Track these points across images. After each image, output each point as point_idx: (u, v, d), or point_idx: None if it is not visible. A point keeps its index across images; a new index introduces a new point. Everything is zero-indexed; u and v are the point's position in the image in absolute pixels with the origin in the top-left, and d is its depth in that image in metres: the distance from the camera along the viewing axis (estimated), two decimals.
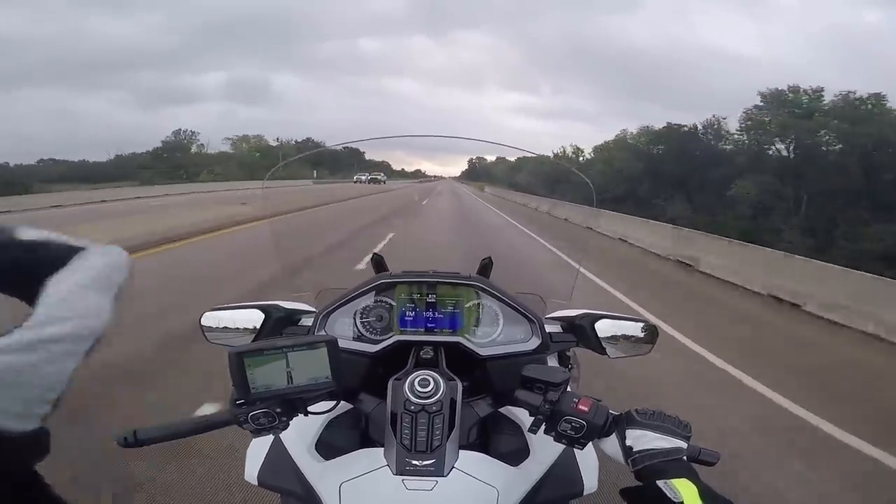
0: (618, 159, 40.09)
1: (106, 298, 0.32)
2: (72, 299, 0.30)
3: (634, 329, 0.98)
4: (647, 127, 42.35)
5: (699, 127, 36.68)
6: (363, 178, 37.53)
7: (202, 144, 66.81)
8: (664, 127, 38.98)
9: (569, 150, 57.02)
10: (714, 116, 35.52)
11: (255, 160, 62.34)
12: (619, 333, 0.97)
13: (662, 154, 37.86)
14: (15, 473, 0.32)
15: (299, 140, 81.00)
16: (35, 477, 0.36)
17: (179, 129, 66.62)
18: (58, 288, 0.30)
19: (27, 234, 0.31)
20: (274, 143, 72.22)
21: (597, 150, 51.82)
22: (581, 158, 54.08)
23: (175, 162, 58.49)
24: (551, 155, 54.20)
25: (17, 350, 0.28)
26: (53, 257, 0.31)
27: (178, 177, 49.94)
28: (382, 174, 46.03)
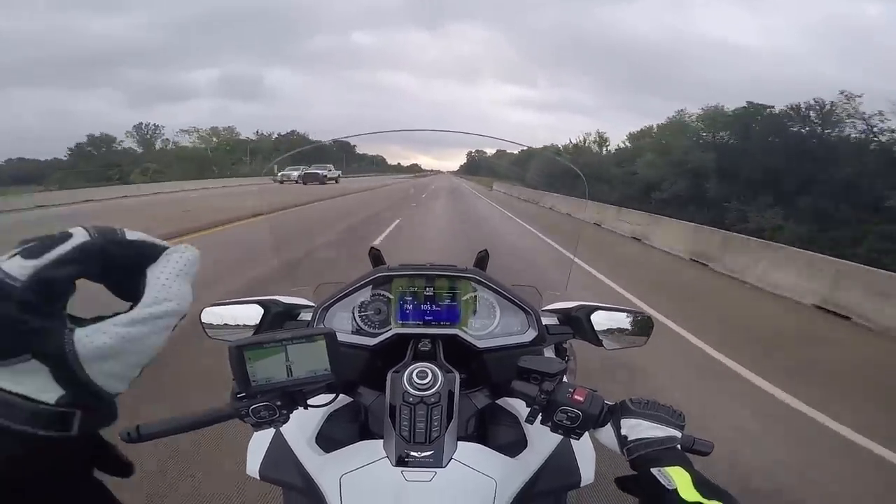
0: (676, 148, 29.28)
1: (189, 286, 0.40)
2: (170, 285, 0.38)
3: (630, 320, 0.99)
4: (717, 107, 29.96)
5: (801, 108, 24.61)
6: (294, 174, 22.93)
7: (167, 140, 59.23)
8: (743, 108, 28.09)
9: (590, 140, 48.07)
10: (845, 94, 22.45)
11: (207, 156, 54.59)
12: (614, 325, 0.98)
13: (740, 142, 26.65)
14: (86, 436, 0.39)
15: (283, 133, 73.75)
16: (100, 440, 0.43)
17: (141, 122, 59.88)
18: (159, 276, 0.39)
19: (131, 235, 0.39)
20: (253, 137, 66.22)
21: (635, 137, 40.48)
22: (605, 149, 45.46)
23: (102, 160, 49.70)
24: (569, 143, 47.43)
25: (136, 323, 0.37)
26: (148, 254, 0.39)
27: (111, 177, 41.93)
28: (331, 168, 29.29)
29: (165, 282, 0.39)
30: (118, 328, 0.36)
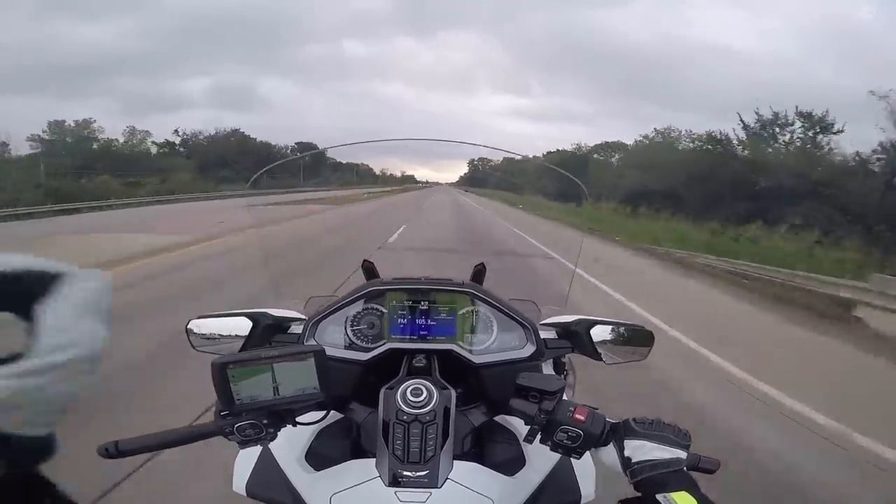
0: None
1: (99, 322, 0.34)
2: (70, 327, 0.33)
3: (630, 334, 0.98)
4: None
5: None
6: None
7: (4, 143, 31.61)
8: None
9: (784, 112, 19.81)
10: None
11: None
12: (614, 339, 0.96)
13: None
14: (20, 473, 0.36)
15: (220, 132, 52.02)
16: (39, 477, 0.39)
17: None
18: (55, 316, 0.32)
19: (12, 261, 0.33)
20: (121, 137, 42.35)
21: None
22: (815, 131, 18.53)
23: None
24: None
25: (29, 374, 0.31)
26: (35, 286, 0.33)
27: None
28: None
29: (65, 323, 0.32)
30: (7, 381, 0.31)
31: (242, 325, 0.92)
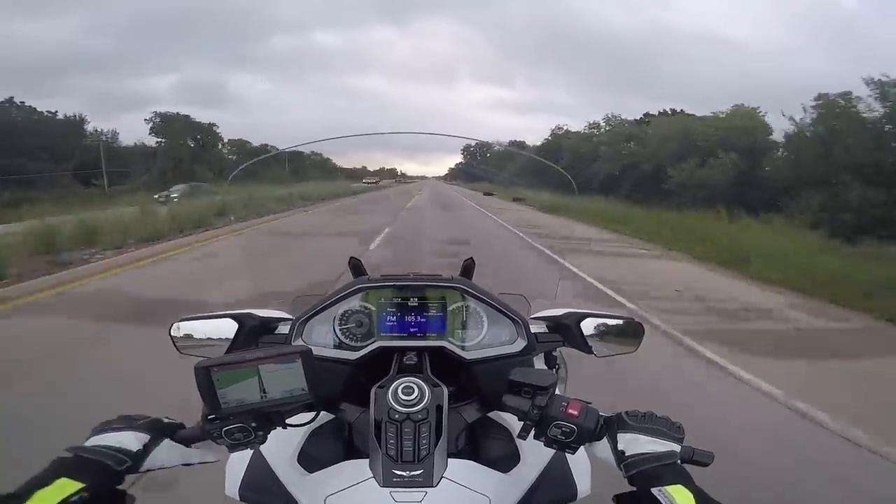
0: None
1: None
2: None
3: (620, 326, 0.98)
4: None
5: None
6: None
7: None
8: None
9: None
10: None
11: None
12: (604, 331, 0.97)
13: None
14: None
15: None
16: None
17: None
18: None
19: None
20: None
21: None
22: None
23: None
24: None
25: None
26: None
27: None
28: None
29: None
30: None
31: (228, 327, 0.91)
